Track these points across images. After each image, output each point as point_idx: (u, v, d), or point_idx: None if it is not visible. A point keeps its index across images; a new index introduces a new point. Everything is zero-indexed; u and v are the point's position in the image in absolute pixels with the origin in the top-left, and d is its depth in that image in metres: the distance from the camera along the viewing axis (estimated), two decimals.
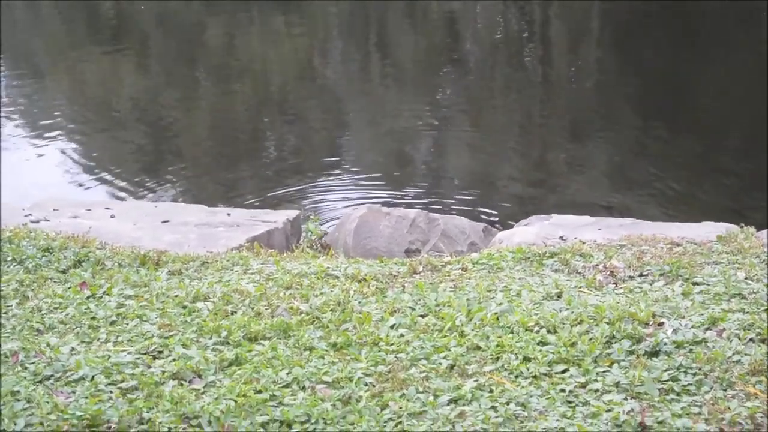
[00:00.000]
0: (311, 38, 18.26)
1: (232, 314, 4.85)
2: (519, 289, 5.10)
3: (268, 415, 3.81)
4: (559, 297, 4.98)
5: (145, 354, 4.39)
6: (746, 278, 5.22)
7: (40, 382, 4.12)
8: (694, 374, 4.04)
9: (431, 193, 10.30)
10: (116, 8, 20.83)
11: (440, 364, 4.22)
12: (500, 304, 4.83)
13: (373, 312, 4.81)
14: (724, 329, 4.44)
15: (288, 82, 15.68)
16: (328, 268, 5.57)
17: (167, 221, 7.13)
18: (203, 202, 9.04)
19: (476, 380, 4.06)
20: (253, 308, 4.93)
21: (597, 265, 5.54)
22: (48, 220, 6.82)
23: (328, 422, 3.76)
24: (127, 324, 4.75)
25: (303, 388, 4.04)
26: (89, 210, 7.32)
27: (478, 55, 16.96)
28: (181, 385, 4.08)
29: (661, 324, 4.53)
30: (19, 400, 3.92)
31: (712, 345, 4.28)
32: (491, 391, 3.98)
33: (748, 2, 18.68)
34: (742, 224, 6.40)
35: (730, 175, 10.66)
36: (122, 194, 10.48)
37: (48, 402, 3.89)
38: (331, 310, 4.86)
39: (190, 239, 6.71)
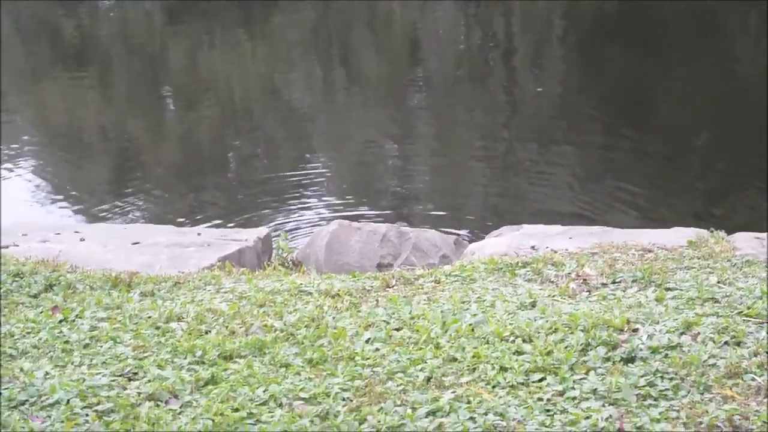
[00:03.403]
0: (274, 56, 18.25)
1: (206, 333, 4.83)
2: (493, 300, 5.10)
3: None
4: (533, 306, 4.99)
5: (120, 376, 4.36)
6: (718, 282, 5.25)
7: (15, 407, 4.08)
8: (671, 379, 4.04)
9: (401, 206, 10.30)
10: (79, 31, 20.77)
11: (417, 376, 4.21)
12: (475, 315, 4.83)
13: (348, 327, 4.80)
14: (698, 333, 4.46)
15: (253, 100, 15.67)
16: (301, 284, 5.56)
17: (137, 243, 7.08)
18: (172, 222, 9.01)
19: (454, 392, 4.06)
20: (227, 327, 4.91)
21: (569, 273, 5.55)
22: (17, 245, 6.77)
23: None
24: (101, 346, 4.71)
25: (280, 405, 4.02)
26: (58, 234, 7.27)
27: (442, 68, 17.00)
28: (158, 406, 4.05)
29: (635, 330, 4.54)
30: None
31: (688, 349, 4.29)
32: (469, 402, 3.97)
33: (708, 6, 18.83)
34: (712, 228, 6.42)
35: (697, 179, 10.72)
36: (90, 217, 10.43)
37: (24, 427, 3.86)
38: (305, 326, 4.84)
39: (161, 260, 6.67)
